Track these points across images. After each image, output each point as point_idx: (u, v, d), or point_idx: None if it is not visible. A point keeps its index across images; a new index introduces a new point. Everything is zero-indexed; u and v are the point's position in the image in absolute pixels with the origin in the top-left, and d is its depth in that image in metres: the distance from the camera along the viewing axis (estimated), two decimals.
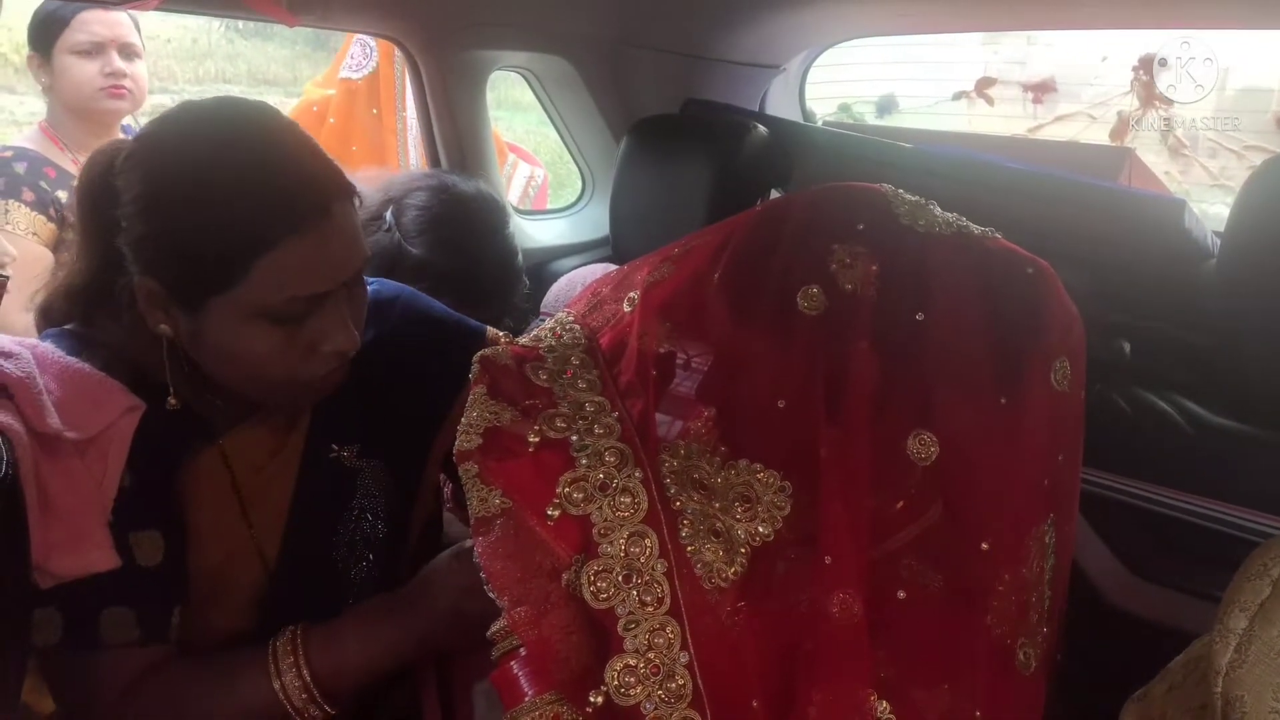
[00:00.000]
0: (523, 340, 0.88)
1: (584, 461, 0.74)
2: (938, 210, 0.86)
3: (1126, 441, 1.23)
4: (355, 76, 2.15)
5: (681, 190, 1.54)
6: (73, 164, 1.82)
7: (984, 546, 0.73)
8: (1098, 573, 1.23)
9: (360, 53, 2.16)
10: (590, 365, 0.83)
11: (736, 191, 1.52)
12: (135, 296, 0.85)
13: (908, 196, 0.87)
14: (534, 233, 1.99)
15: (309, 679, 0.86)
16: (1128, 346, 1.30)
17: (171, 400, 0.88)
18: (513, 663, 0.73)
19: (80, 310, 0.90)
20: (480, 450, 0.75)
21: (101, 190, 0.86)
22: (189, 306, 0.84)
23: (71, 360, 0.84)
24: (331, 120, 2.31)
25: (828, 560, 0.71)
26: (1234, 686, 0.59)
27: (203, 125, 0.86)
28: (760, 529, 0.74)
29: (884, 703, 0.69)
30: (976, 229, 0.86)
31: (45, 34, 1.80)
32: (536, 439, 0.75)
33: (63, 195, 1.79)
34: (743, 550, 0.73)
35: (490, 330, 1.12)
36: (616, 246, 1.70)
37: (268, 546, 0.96)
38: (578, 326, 0.89)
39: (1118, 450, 1.21)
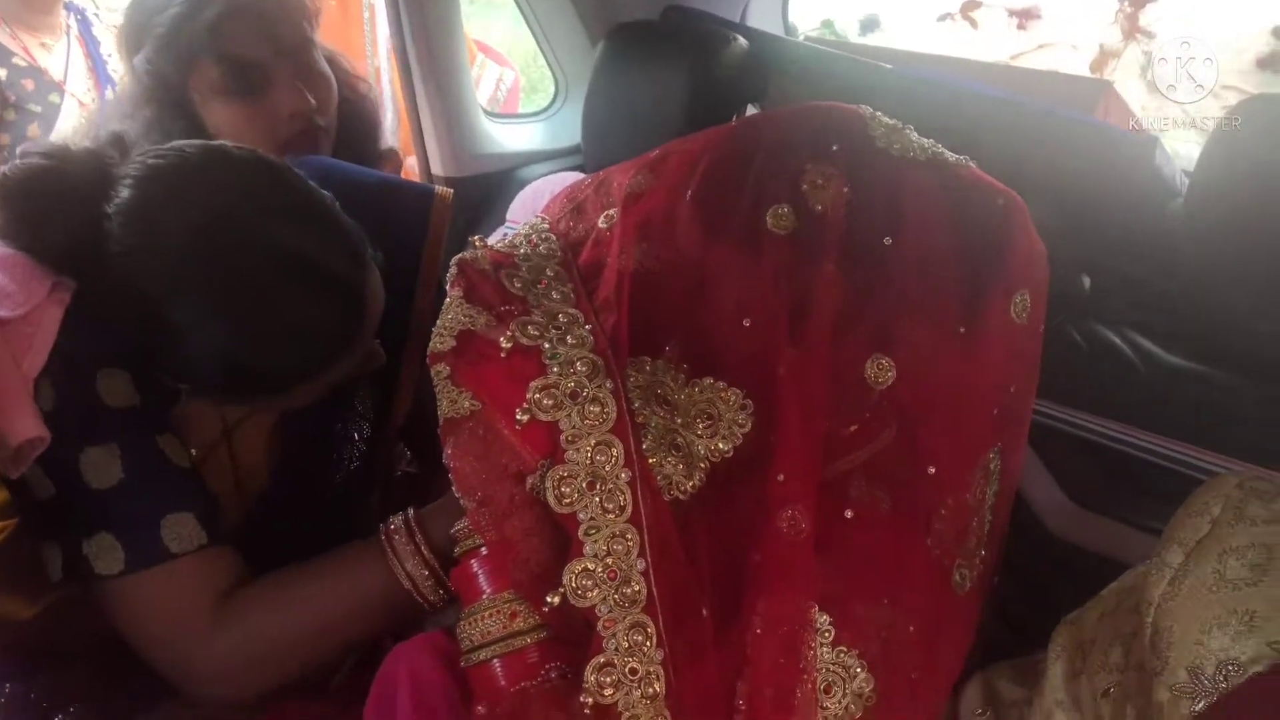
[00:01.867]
0: (496, 244, 0.87)
1: (555, 369, 0.74)
2: (914, 135, 0.85)
3: (1079, 375, 1.25)
4: None
5: (656, 100, 1.51)
6: (11, 39, 1.74)
7: (930, 471, 0.75)
8: (1042, 501, 1.26)
9: None
10: (564, 278, 0.82)
11: (712, 104, 1.49)
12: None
13: (885, 120, 0.86)
14: (502, 138, 1.94)
15: (432, 560, 0.82)
16: (1087, 281, 1.31)
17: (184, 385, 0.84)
18: (473, 560, 0.75)
19: None
20: (453, 353, 0.75)
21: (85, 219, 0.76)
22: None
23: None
24: None
25: (780, 478, 0.72)
26: (1164, 618, 0.61)
27: (212, 244, 0.76)
28: (720, 445, 0.75)
29: (825, 615, 0.71)
30: (951, 156, 0.85)
31: None
32: (509, 344, 0.75)
33: (1, 73, 1.71)
34: (702, 465, 0.74)
35: (439, 189, 1.08)
36: (588, 154, 1.67)
37: (249, 479, 0.93)
38: (553, 236, 0.88)
39: (1070, 383, 1.23)
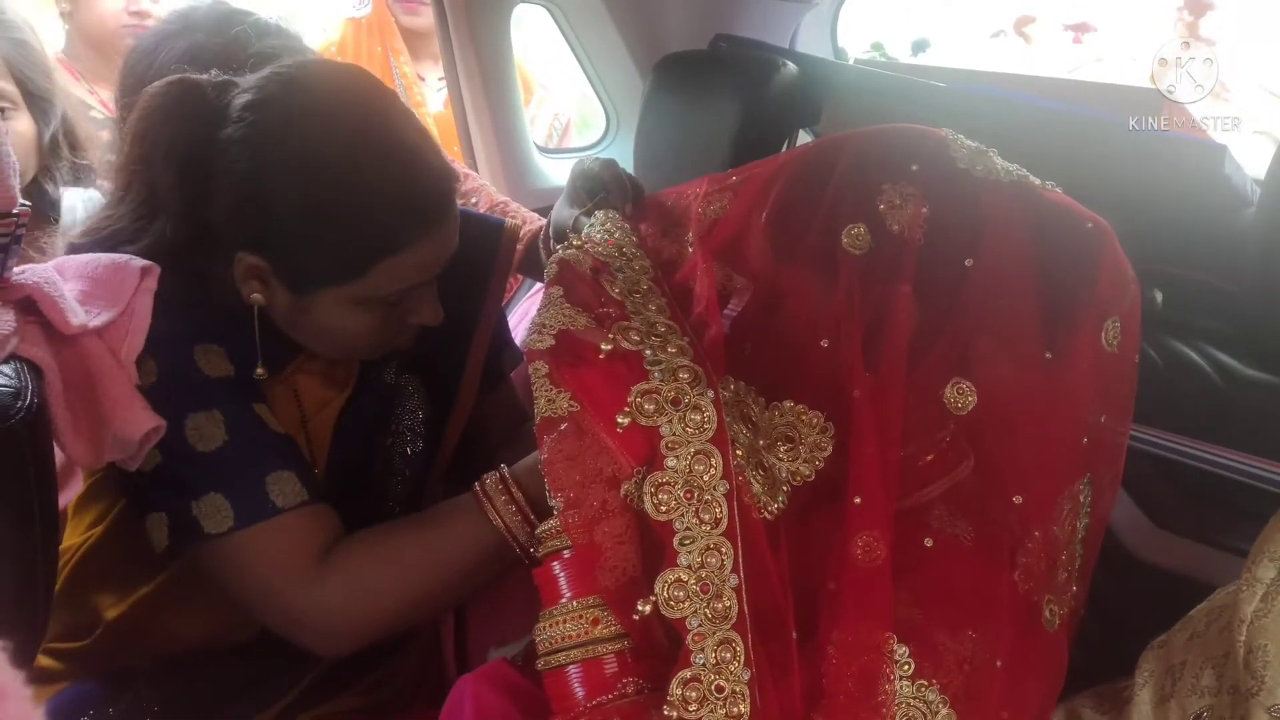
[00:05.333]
0: (590, 248, 0.87)
1: (657, 375, 0.73)
2: (998, 158, 0.84)
3: (1155, 391, 1.21)
4: (358, 15, 2.15)
5: (708, 128, 1.51)
6: (89, 94, 1.81)
7: (1016, 500, 0.73)
8: (1121, 522, 1.22)
9: None
10: (657, 293, 0.83)
11: (765, 130, 1.49)
12: (222, 255, 0.84)
13: (968, 142, 0.85)
14: (554, 172, 1.97)
15: (529, 511, 0.84)
16: (1160, 295, 1.27)
17: (260, 371, 0.88)
18: (555, 563, 0.73)
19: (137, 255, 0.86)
20: (551, 351, 0.74)
21: (193, 151, 0.82)
22: (296, 290, 0.85)
23: (87, 255, 0.83)
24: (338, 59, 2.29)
25: (856, 501, 0.71)
26: (1258, 635, 0.58)
27: (330, 108, 0.82)
28: (802, 469, 0.74)
29: (904, 646, 0.69)
30: (1036, 180, 0.84)
31: None
32: (609, 347, 0.75)
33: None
34: (784, 489, 0.73)
35: (509, 222, 1.12)
36: None
37: (314, 464, 0.96)
38: (642, 252, 0.89)
39: (1145, 400, 1.19)
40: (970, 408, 0.75)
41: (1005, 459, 0.75)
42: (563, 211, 1.03)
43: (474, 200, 1.42)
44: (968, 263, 0.78)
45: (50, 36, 2.00)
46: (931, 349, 0.76)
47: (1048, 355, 0.76)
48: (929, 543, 0.72)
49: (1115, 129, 1.39)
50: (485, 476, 0.87)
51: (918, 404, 0.75)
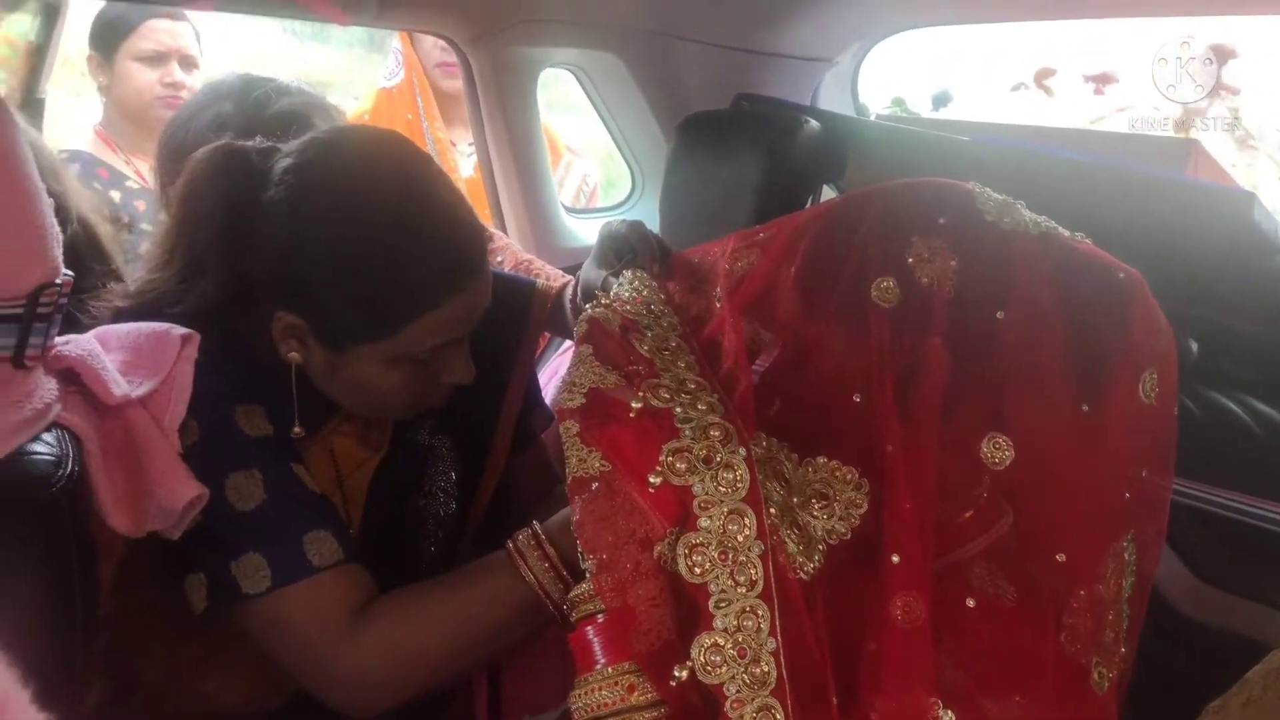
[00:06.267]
0: (608, 302, 0.88)
1: (688, 433, 0.73)
2: (1025, 211, 0.84)
3: (1193, 443, 1.19)
4: (389, 84, 2.22)
5: (732, 185, 1.52)
6: (125, 164, 1.86)
7: (1059, 558, 0.72)
8: (1165, 579, 1.19)
9: (393, 62, 2.23)
10: (686, 350, 0.83)
11: (789, 186, 1.50)
12: (262, 315, 0.86)
13: (994, 195, 0.85)
14: (582, 231, 1.99)
15: (562, 568, 0.83)
16: (1195, 345, 1.25)
17: (297, 430, 0.89)
18: (589, 628, 0.72)
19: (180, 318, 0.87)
20: (582, 410, 0.74)
21: (236, 213, 0.85)
22: (332, 348, 0.86)
23: (128, 325, 0.84)
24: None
25: (894, 559, 0.70)
26: None
27: (368, 170, 0.85)
28: (838, 526, 0.73)
29: (949, 712, 0.67)
30: (1065, 232, 0.83)
31: (109, 37, 1.84)
32: (639, 405, 0.74)
33: (116, 196, 1.83)
34: (820, 548, 0.72)
35: (539, 282, 1.13)
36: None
37: (348, 524, 0.96)
38: (669, 310, 0.89)
39: (1183, 452, 1.17)
40: (1008, 462, 0.74)
41: (1046, 515, 0.73)
42: (591, 272, 1.04)
43: (499, 259, 1.44)
44: (999, 315, 0.77)
45: (89, 110, 2.06)
46: (965, 402, 0.76)
47: (1085, 408, 0.75)
48: (971, 603, 0.70)
49: (1142, 179, 1.38)
50: (518, 534, 0.86)
51: (953, 459, 0.74)
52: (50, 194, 1.20)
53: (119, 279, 0.99)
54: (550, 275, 1.37)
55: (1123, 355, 0.78)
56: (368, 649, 0.82)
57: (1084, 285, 0.80)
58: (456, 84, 2.11)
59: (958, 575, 0.72)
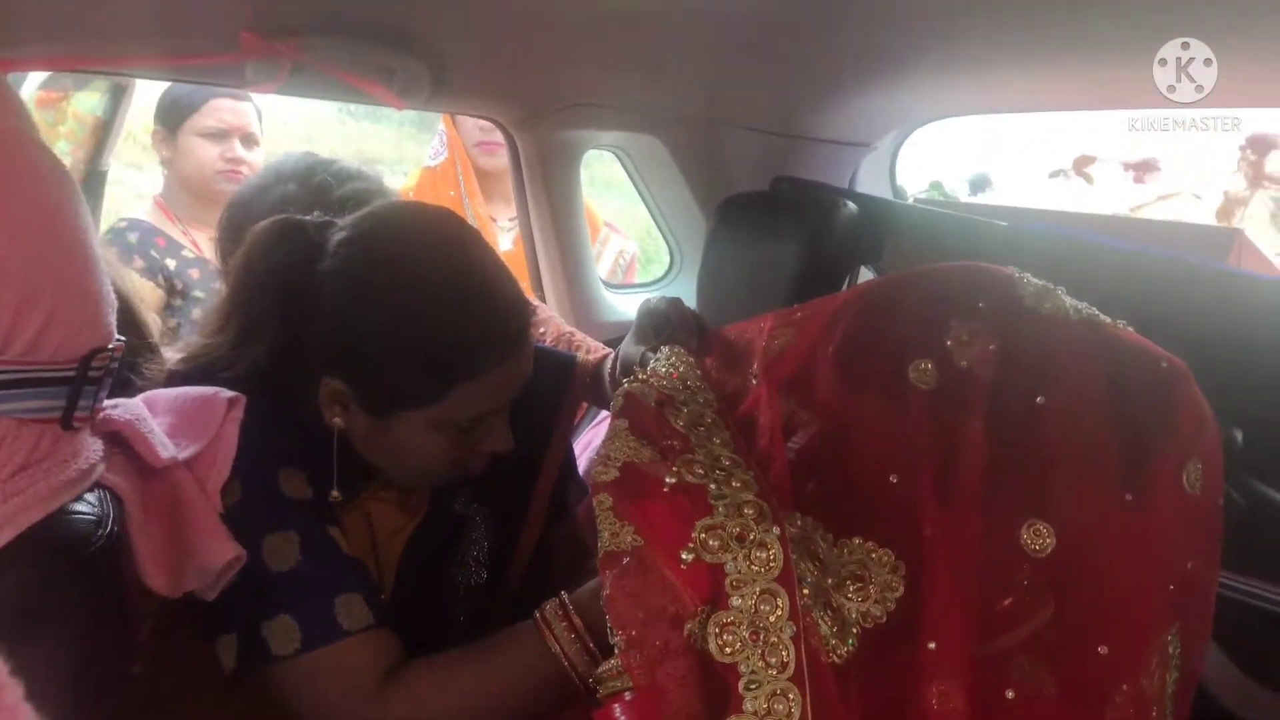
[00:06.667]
0: (645, 377, 0.89)
1: (721, 510, 0.72)
2: (1066, 296, 0.84)
3: (1240, 535, 1.15)
4: (433, 164, 2.30)
5: (770, 266, 1.54)
6: (182, 235, 1.93)
7: (1102, 650, 0.70)
8: (1210, 675, 1.14)
9: (437, 142, 2.32)
10: (721, 426, 0.83)
11: (826, 268, 1.51)
12: (309, 381, 0.88)
13: (1034, 280, 0.85)
14: (621, 306, 2.02)
15: (589, 640, 0.83)
16: (1240, 435, 1.23)
17: (335, 494, 0.91)
18: (616, 705, 0.71)
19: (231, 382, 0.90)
20: (616, 484, 0.74)
21: (291, 282, 0.87)
22: (375, 414, 0.88)
23: (176, 390, 0.86)
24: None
25: (931, 646, 0.68)
26: None
27: (419, 244, 0.88)
28: (873, 610, 0.72)
29: None
30: (1106, 318, 0.83)
31: (175, 114, 1.93)
32: (674, 480, 0.74)
33: (171, 264, 1.89)
34: (854, 631, 0.71)
35: (579, 356, 1.14)
36: None
37: (381, 590, 0.97)
38: (706, 385, 0.90)
39: (1231, 545, 1.14)
40: (1049, 550, 0.72)
41: (1088, 606, 0.72)
42: (630, 348, 1.05)
43: (542, 330, 1.46)
44: (1039, 400, 0.77)
45: (149, 182, 2.15)
46: (1005, 487, 0.75)
47: (1128, 497, 0.74)
48: (1010, 694, 0.68)
49: (1184, 267, 1.38)
50: (545, 604, 0.86)
51: (993, 544, 0.73)
52: None
53: (153, 351, 1.02)
54: (592, 348, 1.39)
55: (1167, 444, 0.77)
56: (393, 715, 0.82)
57: (1127, 372, 0.80)
58: (495, 161, 2.17)
59: (996, 665, 0.70)
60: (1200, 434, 0.79)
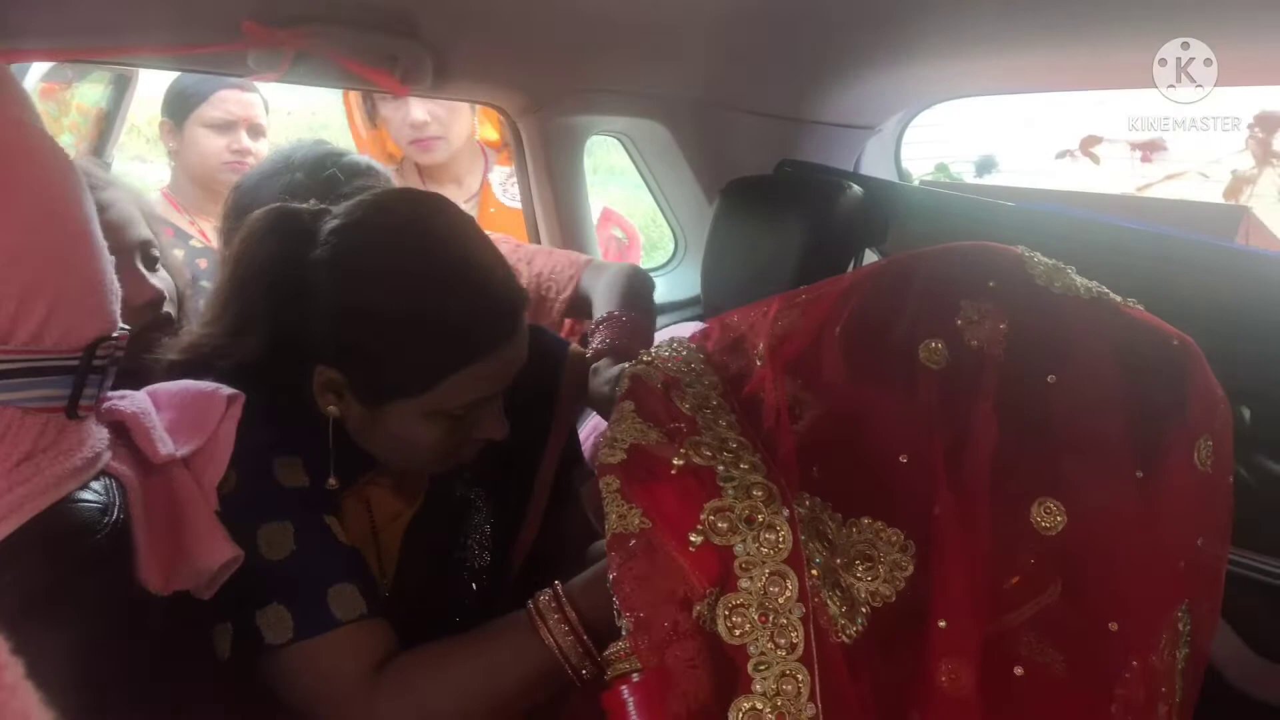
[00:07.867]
0: (650, 359, 0.89)
1: (730, 492, 0.72)
2: (1076, 275, 0.84)
3: (1250, 512, 1.15)
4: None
5: (774, 249, 1.53)
6: (189, 225, 1.93)
7: (1112, 627, 0.70)
8: (1220, 653, 1.15)
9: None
10: (727, 409, 0.83)
11: (830, 251, 1.51)
12: (303, 369, 0.88)
13: (1044, 259, 0.85)
14: None
15: (582, 632, 0.82)
16: (1248, 412, 1.23)
17: (332, 481, 0.91)
18: (624, 687, 0.71)
19: (227, 371, 0.90)
20: (623, 466, 0.74)
21: (284, 271, 0.88)
22: (369, 403, 0.88)
23: (179, 384, 0.87)
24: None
25: (941, 624, 0.68)
26: None
27: (411, 231, 0.88)
28: (882, 589, 0.72)
29: None
30: (1117, 297, 0.83)
31: (181, 105, 1.92)
32: (681, 462, 0.74)
33: (179, 254, 1.89)
34: (863, 610, 0.71)
35: (572, 345, 1.13)
36: (706, 305, 1.70)
37: (383, 575, 0.97)
38: (710, 369, 0.90)
39: (1240, 521, 1.14)
40: (1059, 528, 0.72)
41: (1099, 583, 0.71)
42: (602, 386, 1.05)
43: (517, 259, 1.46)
44: (1050, 379, 0.77)
45: (154, 173, 2.15)
46: (1016, 466, 0.74)
47: (1139, 474, 0.74)
48: (1019, 671, 0.68)
49: (1192, 245, 1.37)
50: (539, 594, 0.86)
51: (1003, 523, 0.72)
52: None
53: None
54: (561, 286, 1.38)
55: (1177, 421, 0.77)
56: (385, 705, 0.82)
57: (1137, 351, 0.79)
58: (434, 156, 2.11)
59: (1005, 643, 0.70)
60: (1211, 411, 0.78)
